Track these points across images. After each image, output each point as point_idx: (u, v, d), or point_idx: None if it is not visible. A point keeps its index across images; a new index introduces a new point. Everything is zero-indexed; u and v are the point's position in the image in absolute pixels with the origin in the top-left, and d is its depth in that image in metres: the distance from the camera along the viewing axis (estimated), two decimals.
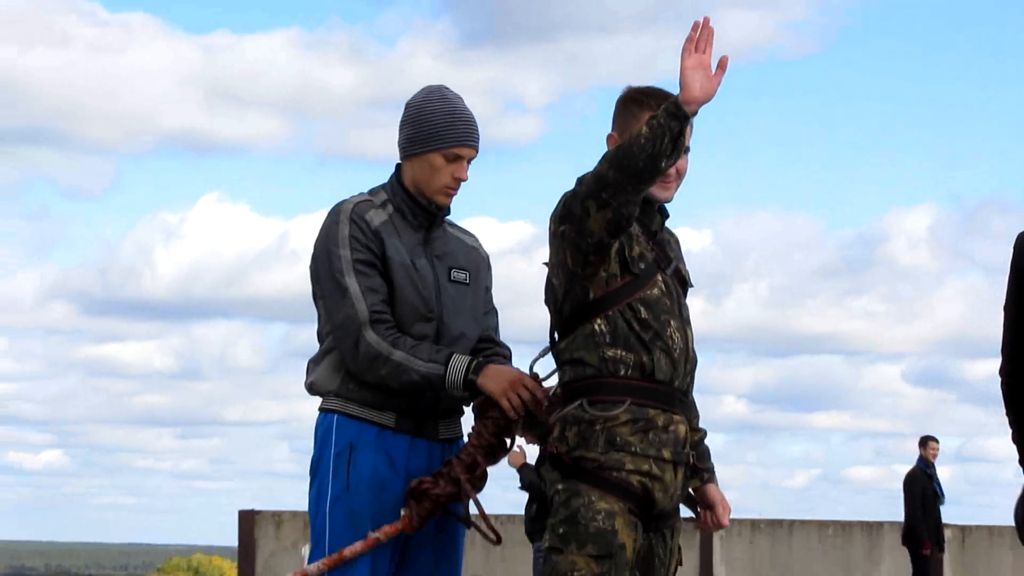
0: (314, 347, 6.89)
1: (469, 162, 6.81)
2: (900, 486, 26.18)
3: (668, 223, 6.74)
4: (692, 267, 6.78)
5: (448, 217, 7.01)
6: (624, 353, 6.43)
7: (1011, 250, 6.89)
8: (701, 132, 6.49)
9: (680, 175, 6.56)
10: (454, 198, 6.87)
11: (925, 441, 26.24)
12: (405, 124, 6.84)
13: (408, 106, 6.87)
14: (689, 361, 6.61)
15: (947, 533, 33.48)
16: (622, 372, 6.42)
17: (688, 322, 6.65)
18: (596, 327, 6.43)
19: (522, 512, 6.71)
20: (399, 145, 6.87)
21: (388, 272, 6.69)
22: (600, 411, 6.42)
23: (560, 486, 6.46)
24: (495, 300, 7.18)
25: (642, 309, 6.46)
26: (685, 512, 6.80)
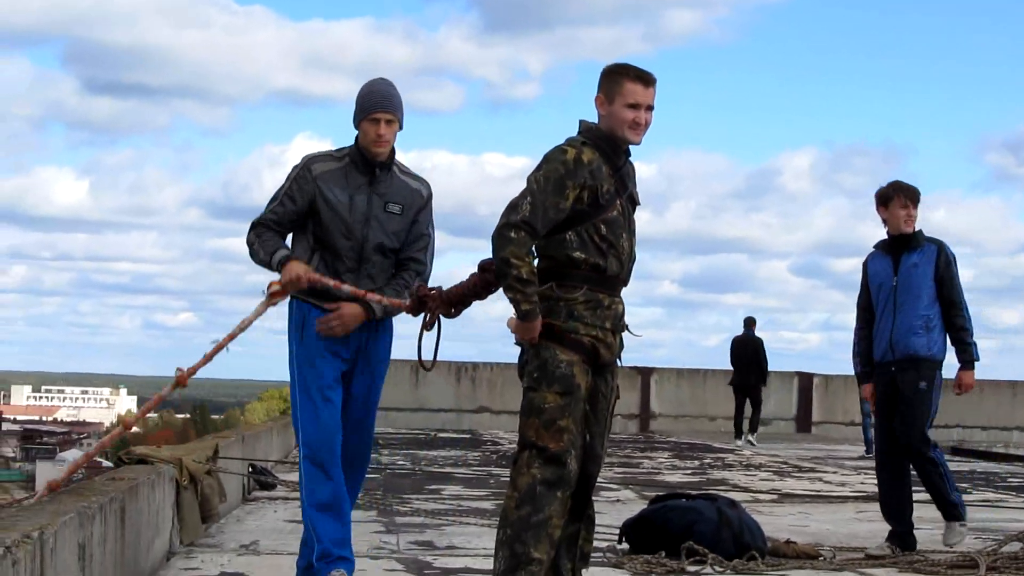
0: None
1: (389, 123, 7.06)
2: (784, 347, 25.79)
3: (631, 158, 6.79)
4: (643, 189, 6.87)
5: (406, 165, 7.26)
6: (585, 256, 6.48)
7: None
8: (661, 98, 6.62)
9: (647, 126, 6.61)
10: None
11: (752, 320, 26.02)
12: (355, 104, 7.15)
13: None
14: (632, 260, 6.69)
15: (815, 380, 33.72)
16: (582, 268, 6.49)
17: (634, 232, 6.71)
18: (567, 237, 6.47)
19: (515, 361, 6.75)
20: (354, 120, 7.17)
21: (320, 206, 7.01)
22: (564, 293, 6.48)
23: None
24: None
25: (603, 227, 6.52)
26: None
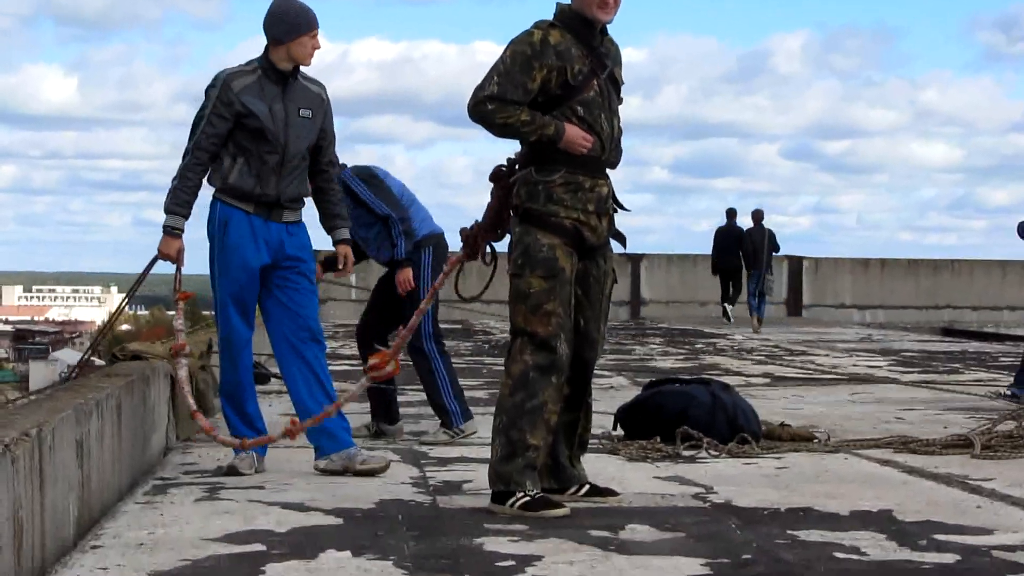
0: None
1: (315, 36, 7.65)
2: (774, 231, 26.82)
3: (621, 42, 6.79)
4: (633, 74, 6.92)
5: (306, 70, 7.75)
6: None
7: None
8: None
9: (617, 4, 6.53)
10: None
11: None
12: (276, 21, 7.60)
13: (272, 10, 7.64)
14: (614, 141, 6.63)
15: (804, 263, 33.80)
16: (560, 151, 6.47)
17: (616, 113, 6.66)
18: None
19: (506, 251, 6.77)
20: (271, 35, 7.60)
21: (250, 119, 7.50)
22: (542, 176, 6.51)
23: (517, 229, 6.57)
24: None
25: (579, 108, 6.51)
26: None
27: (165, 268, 8.08)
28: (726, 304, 28.50)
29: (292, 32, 7.59)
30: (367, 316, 9.73)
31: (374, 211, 9.29)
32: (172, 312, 8.15)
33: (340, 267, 8.06)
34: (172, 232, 7.63)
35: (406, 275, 9.27)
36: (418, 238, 9.39)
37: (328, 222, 7.98)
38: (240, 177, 7.57)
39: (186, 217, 7.65)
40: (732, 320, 27.88)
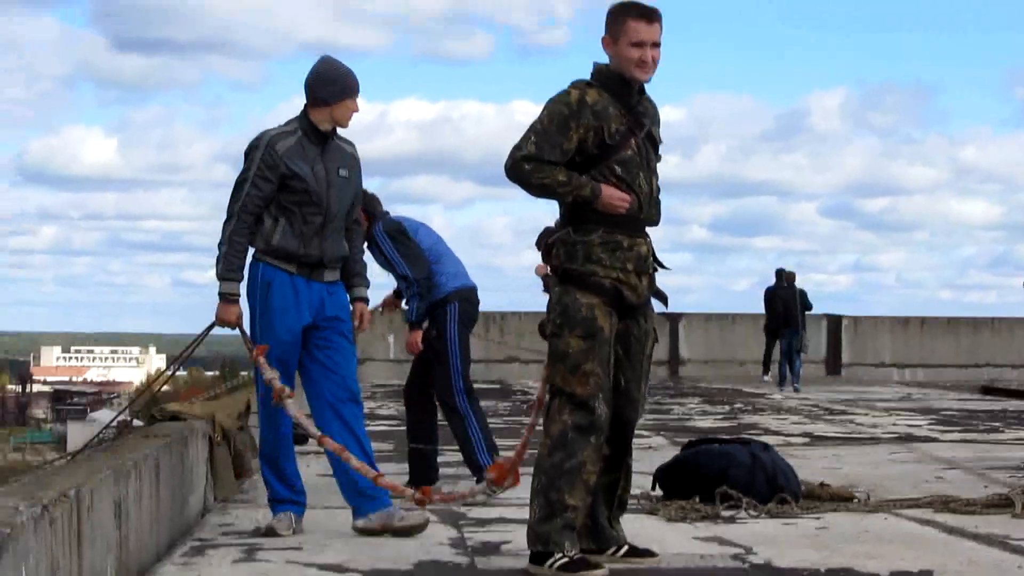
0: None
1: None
2: (814, 289, 26.97)
3: (660, 101, 6.80)
4: (672, 133, 6.94)
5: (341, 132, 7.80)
6: None
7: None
8: (691, 40, 6.52)
9: (655, 63, 6.56)
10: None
11: (781, 272, 27.47)
12: (321, 83, 7.65)
13: (318, 72, 7.68)
14: (652, 199, 6.65)
15: (844, 322, 33.66)
16: (598, 210, 6.48)
17: (655, 172, 6.67)
18: None
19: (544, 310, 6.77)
20: (316, 96, 7.63)
21: (294, 180, 7.52)
22: (580, 236, 6.52)
23: (557, 288, 6.56)
24: None
25: (617, 167, 6.52)
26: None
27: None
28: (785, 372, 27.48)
29: (340, 95, 7.65)
30: (411, 376, 9.84)
31: (395, 269, 9.42)
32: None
33: (356, 324, 8.05)
34: (229, 299, 7.64)
35: (414, 338, 9.51)
36: (446, 292, 9.53)
37: (347, 280, 7.99)
38: (284, 238, 7.58)
39: (239, 281, 7.65)
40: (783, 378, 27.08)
